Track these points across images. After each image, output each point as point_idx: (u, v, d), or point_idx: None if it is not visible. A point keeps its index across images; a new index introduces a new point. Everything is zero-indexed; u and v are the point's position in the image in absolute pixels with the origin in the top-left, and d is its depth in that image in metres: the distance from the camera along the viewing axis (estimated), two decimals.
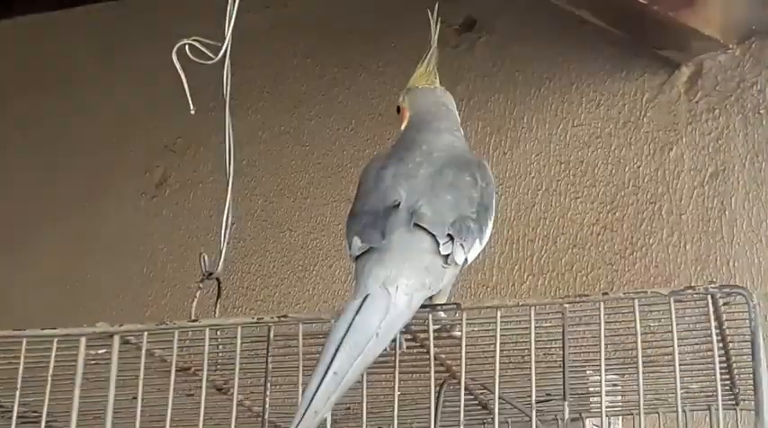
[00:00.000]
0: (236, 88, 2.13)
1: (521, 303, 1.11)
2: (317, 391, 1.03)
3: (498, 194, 1.87)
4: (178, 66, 1.26)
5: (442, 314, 1.16)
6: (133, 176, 2.28)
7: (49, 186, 2.32)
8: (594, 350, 1.13)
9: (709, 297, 1.08)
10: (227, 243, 1.32)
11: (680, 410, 1.12)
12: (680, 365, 1.09)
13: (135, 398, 1.13)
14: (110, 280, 2.22)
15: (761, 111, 1.82)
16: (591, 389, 1.39)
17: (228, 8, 1.28)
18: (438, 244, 1.14)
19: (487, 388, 1.37)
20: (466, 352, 1.12)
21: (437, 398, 1.25)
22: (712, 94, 1.86)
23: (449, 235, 1.15)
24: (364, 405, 1.14)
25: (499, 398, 1.12)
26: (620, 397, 1.50)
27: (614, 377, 1.42)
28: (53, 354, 1.13)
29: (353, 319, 1.07)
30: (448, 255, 1.15)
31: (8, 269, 2.26)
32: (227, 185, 1.32)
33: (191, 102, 1.28)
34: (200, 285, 1.27)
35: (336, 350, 1.05)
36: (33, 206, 2.31)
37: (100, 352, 1.12)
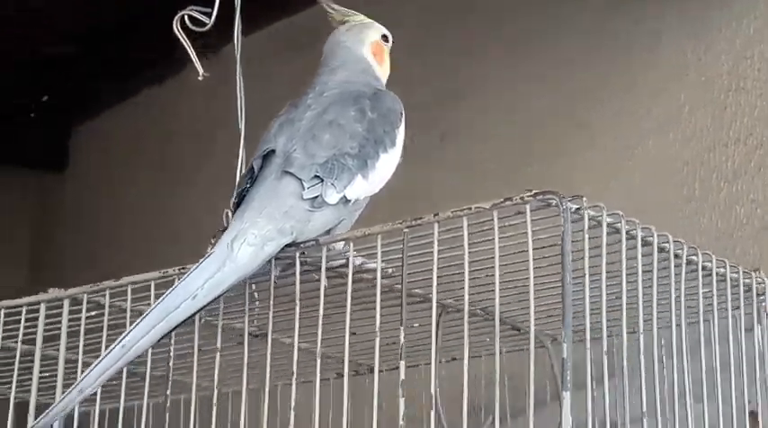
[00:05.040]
0: None
1: (367, 233, 1.13)
2: (91, 370, 1.08)
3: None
4: (180, 35, 1.39)
5: (339, 246, 1.19)
6: None
7: None
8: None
9: (527, 207, 1.05)
10: None
11: None
12: None
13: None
14: None
15: None
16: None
17: None
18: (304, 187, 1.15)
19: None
20: None
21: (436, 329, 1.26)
22: None
23: (316, 176, 1.17)
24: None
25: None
26: None
27: None
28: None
29: (181, 281, 1.12)
30: (316, 197, 1.16)
31: None
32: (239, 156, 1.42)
33: (199, 67, 1.40)
34: (212, 241, 1.38)
35: (143, 318, 1.10)
36: None
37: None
